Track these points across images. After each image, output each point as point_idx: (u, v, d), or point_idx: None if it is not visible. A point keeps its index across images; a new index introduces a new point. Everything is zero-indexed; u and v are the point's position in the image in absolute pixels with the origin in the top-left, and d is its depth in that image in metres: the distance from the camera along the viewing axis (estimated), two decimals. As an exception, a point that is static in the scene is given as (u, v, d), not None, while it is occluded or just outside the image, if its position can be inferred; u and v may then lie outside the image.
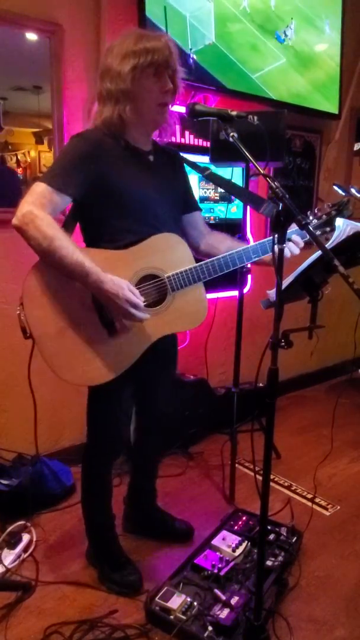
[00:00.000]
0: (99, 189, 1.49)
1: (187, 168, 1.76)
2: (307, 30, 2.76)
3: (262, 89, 2.59)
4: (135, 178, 1.54)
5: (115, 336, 1.52)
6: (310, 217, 1.59)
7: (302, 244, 1.56)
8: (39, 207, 1.40)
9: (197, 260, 1.61)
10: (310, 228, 1.23)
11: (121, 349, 1.54)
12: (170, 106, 1.56)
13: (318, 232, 1.56)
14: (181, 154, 1.75)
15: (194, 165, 1.73)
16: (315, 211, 1.60)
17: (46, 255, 1.41)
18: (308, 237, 1.55)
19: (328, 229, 1.56)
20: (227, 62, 2.45)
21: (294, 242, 1.54)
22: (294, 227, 1.53)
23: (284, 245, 1.29)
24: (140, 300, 1.46)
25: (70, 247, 1.40)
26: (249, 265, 1.75)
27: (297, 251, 1.54)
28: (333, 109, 3.23)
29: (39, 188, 1.43)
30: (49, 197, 1.42)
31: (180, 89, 1.55)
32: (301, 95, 2.65)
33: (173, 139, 1.69)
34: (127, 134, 1.54)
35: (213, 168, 1.75)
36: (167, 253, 1.56)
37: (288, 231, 1.54)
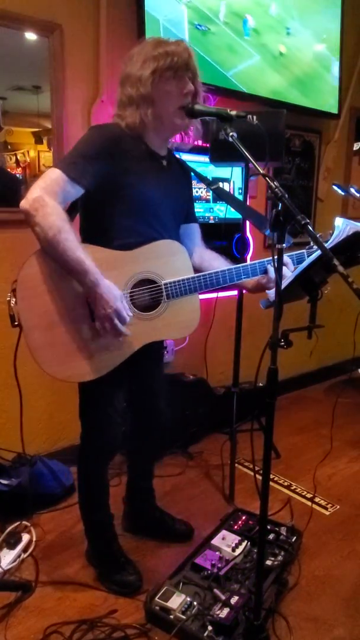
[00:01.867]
0: (111, 184, 1.48)
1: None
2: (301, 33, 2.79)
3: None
4: (148, 179, 1.54)
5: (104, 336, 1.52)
6: (311, 243, 1.58)
7: (292, 267, 1.56)
8: (50, 195, 1.38)
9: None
10: (310, 228, 1.23)
11: (108, 350, 1.53)
12: None
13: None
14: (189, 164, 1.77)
15: (203, 178, 1.75)
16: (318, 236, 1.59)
17: (49, 245, 1.39)
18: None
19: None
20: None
21: (285, 263, 1.54)
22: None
23: (284, 245, 1.29)
24: (128, 317, 1.46)
25: (75, 242, 1.40)
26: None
27: (288, 273, 1.52)
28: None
29: (54, 174, 1.41)
30: (62, 185, 1.40)
31: (202, 92, 1.55)
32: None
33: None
34: (145, 137, 1.55)
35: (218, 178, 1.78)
36: (167, 260, 1.56)
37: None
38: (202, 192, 2.80)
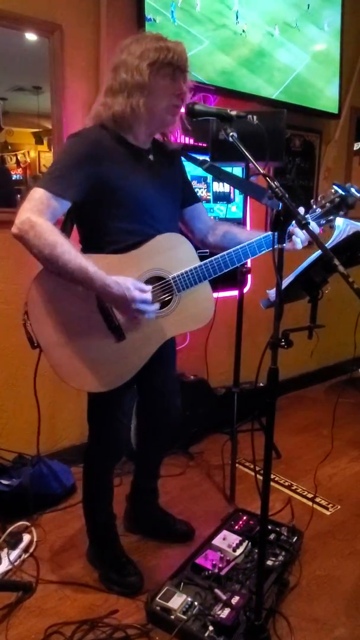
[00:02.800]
0: (100, 190, 1.47)
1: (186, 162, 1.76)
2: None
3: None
4: (136, 178, 1.52)
5: (122, 341, 1.52)
6: (314, 206, 1.59)
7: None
8: (37, 214, 1.37)
9: (208, 254, 1.61)
10: (310, 228, 1.23)
11: (129, 354, 1.53)
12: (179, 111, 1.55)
13: (323, 221, 1.57)
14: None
15: (192, 159, 1.72)
16: (319, 199, 1.60)
17: (48, 262, 1.39)
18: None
19: (331, 217, 1.57)
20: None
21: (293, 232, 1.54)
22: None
23: (284, 245, 1.29)
24: (148, 295, 1.45)
25: (73, 253, 1.38)
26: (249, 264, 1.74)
27: (303, 237, 1.54)
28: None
29: (37, 194, 1.40)
30: (47, 202, 1.40)
31: (188, 97, 1.54)
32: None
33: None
34: (130, 131, 1.52)
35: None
36: (171, 253, 1.55)
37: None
38: (202, 192, 2.80)
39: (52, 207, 1.40)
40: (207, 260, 1.57)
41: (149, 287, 1.47)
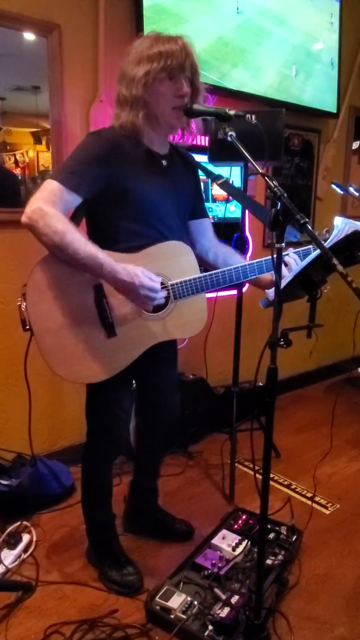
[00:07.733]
0: (112, 190, 1.48)
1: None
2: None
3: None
4: (148, 182, 1.53)
5: (112, 337, 1.53)
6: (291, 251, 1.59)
7: (294, 266, 1.54)
8: (49, 204, 1.38)
9: (203, 269, 1.62)
10: (309, 227, 1.23)
11: (117, 351, 1.55)
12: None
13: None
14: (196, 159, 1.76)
15: (208, 173, 1.74)
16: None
17: (58, 250, 1.40)
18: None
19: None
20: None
21: (286, 262, 1.53)
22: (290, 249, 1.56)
23: (283, 244, 1.29)
24: (156, 283, 1.47)
25: (82, 240, 1.40)
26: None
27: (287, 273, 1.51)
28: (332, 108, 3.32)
29: (51, 185, 1.41)
30: (59, 195, 1.40)
31: (203, 91, 1.53)
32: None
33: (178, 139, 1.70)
34: (144, 137, 1.53)
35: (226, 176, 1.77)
36: (174, 261, 1.57)
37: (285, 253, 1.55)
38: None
39: (64, 200, 1.41)
40: (207, 274, 1.58)
41: (158, 277, 1.48)
